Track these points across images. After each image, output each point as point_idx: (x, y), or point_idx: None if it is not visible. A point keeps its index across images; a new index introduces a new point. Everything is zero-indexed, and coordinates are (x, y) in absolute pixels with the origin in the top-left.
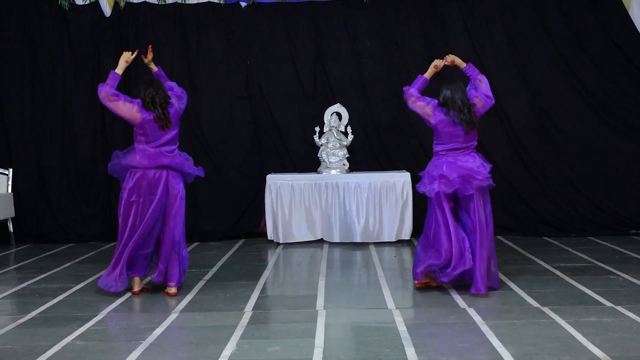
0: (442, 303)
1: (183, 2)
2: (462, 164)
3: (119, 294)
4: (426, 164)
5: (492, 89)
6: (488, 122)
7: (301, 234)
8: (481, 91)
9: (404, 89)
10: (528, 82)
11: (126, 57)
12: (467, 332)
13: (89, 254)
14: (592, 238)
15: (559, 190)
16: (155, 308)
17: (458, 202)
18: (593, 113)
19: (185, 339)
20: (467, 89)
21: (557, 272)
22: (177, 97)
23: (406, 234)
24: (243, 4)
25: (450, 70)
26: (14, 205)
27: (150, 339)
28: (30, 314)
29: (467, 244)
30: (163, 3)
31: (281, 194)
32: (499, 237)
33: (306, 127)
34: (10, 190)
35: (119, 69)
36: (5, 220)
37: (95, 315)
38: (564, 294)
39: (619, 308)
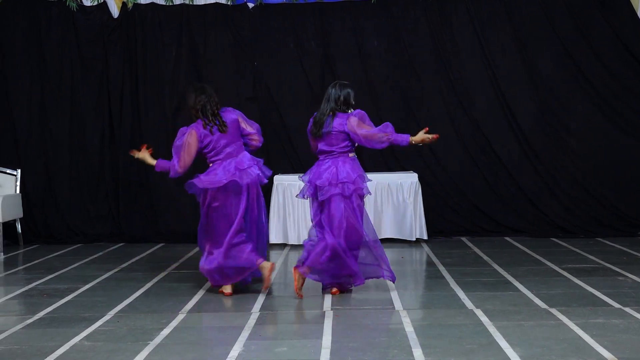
0: (449, 304)
1: (190, 3)
2: (322, 170)
3: (125, 295)
4: (433, 165)
5: (500, 89)
6: (496, 123)
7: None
8: (371, 130)
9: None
10: (536, 82)
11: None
12: (474, 333)
13: (97, 255)
14: (600, 239)
15: (567, 191)
16: (162, 308)
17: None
18: (601, 114)
19: (193, 340)
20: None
21: (565, 273)
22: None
23: (418, 234)
24: (250, 5)
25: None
26: (23, 205)
27: (158, 339)
28: (38, 314)
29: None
30: (171, 4)
31: (288, 195)
32: (507, 238)
33: None
34: (18, 191)
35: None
36: (14, 221)
37: (103, 316)
38: (571, 295)
39: (627, 309)
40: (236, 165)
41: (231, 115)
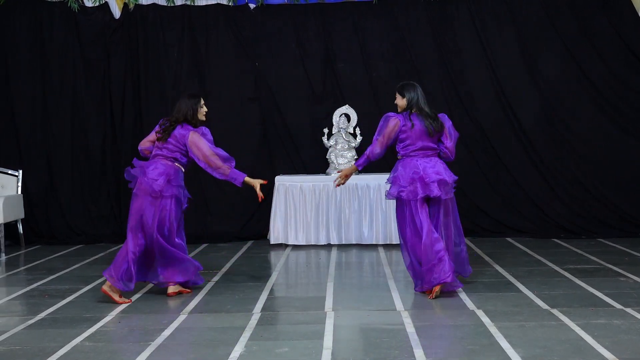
0: (450, 305)
1: (192, 3)
2: (433, 165)
3: (127, 295)
4: None
5: (501, 89)
6: (498, 123)
7: (310, 236)
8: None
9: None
10: (538, 83)
11: None
12: (475, 334)
13: (99, 255)
14: (601, 240)
15: (569, 192)
16: (164, 309)
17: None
18: (604, 114)
19: (194, 340)
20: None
21: (567, 274)
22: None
23: None
24: (252, 6)
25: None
26: (24, 206)
27: (159, 340)
28: (39, 315)
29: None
30: (172, 4)
31: (290, 195)
32: (508, 239)
33: (315, 128)
34: (20, 192)
35: None
36: (16, 221)
37: (104, 317)
38: (573, 296)
39: (628, 310)
40: (147, 170)
41: (186, 134)
